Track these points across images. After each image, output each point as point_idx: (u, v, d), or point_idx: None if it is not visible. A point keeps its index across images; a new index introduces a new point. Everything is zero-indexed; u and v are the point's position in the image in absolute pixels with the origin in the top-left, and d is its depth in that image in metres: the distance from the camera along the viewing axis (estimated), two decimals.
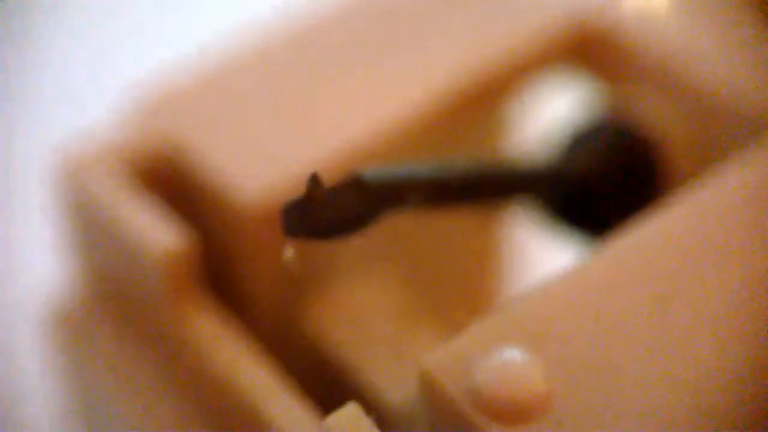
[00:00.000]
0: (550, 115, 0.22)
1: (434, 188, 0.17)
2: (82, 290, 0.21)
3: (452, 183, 0.17)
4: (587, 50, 0.21)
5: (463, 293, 0.23)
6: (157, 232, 0.18)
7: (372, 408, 0.18)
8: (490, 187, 0.18)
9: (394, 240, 0.20)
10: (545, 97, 0.22)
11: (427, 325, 0.19)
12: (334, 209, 0.16)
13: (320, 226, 0.16)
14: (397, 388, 0.18)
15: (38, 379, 0.26)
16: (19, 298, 0.27)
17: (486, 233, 0.23)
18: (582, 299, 0.17)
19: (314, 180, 0.16)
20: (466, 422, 0.15)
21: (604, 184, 0.20)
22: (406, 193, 0.17)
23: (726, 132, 0.20)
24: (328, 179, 0.17)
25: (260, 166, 0.19)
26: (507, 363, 0.16)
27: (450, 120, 0.20)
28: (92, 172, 0.19)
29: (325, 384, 0.19)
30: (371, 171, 0.17)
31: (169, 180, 0.20)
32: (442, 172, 0.17)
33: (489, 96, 0.21)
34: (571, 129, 0.21)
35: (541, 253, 0.25)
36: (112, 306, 0.20)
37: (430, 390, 0.16)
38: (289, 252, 0.16)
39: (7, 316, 0.27)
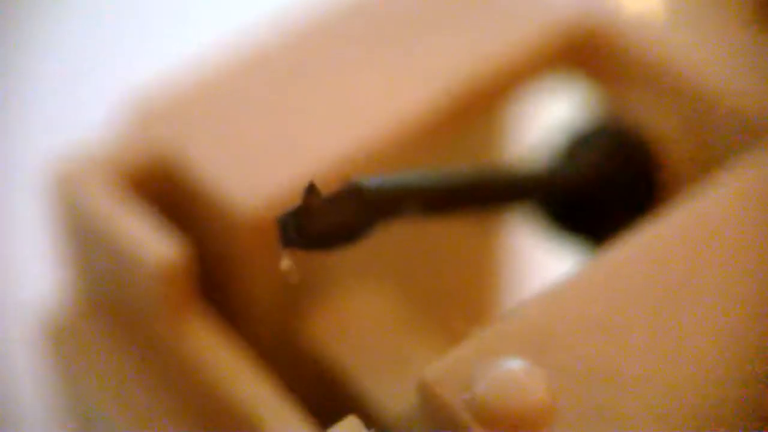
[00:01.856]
0: (548, 120, 0.21)
1: (433, 196, 0.17)
2: (76, 301, 0.21)
3: (451, 191, 0.17)
4: (584, 54, 0.21)
5: (462, 302, 0.23)
6: (152, 242, 0.18)
7: (372, 421, 0.17)
8: (490, 193, 0.18)
9: (390, 249, 0.20)
10: (542, 103, 0.22)
11: (426, 335, 0.19)
12: (332, 219, 0.16)
13: (318, 236, 0.16)
14: (396, 400, 0.18)
15: (32, 393, 0.25)
16: (13, 310, 0.26)
17: (483, 241, 0.23)
18: (583, 307, 0.16)
19: (311, 189, 0.16)
20: None
21: (603, 189, 0.20)
22: (405, 201, 0.17)
23: (726, 135, 0.19)
24: (325, 188, 0.17)
25: (255, 174, 0.19)
26: (508, 374, 0.15)
27: (446, 127, 0.20)
28: (85, 182, 0.19)
29: (324, 396, 0.18)
30: (369, 180, 0.17)
31: (163, 189, 0.20)
32: (440, 179, 0.17)
33: (484, 102, 0.20)
34: (569, 133, 0.20)
35: (539, 260, 0.24)
36: (106, 317, 0.20)
37: (429, 402, 0.16)
38: (286, 262, 0.16)
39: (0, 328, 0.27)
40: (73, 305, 0.21)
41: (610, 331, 0.16)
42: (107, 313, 0.20)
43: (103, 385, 0.20)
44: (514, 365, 0.15)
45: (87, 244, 0.20)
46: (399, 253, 0.21)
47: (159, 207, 0.20)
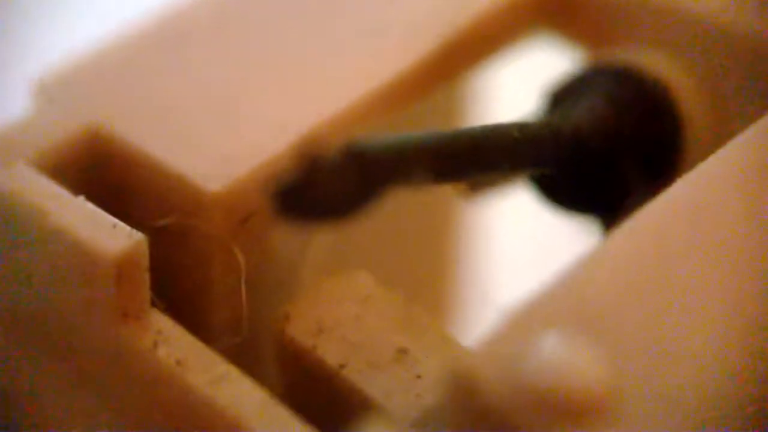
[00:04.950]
0: (528, 84, 0.19)
1: (442, 159, 0.15)
2: None
3: (462, 153, 0.15)
4: (566, 11, 0.19)
5: (445, 285, 0.21)
6: (98, 234, 0.15)
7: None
8: (506, 155, 0.16)
9: (362, 235, 0.18)
10: (522, 66, 0.20)
11: (416, 324, 0.17)
12: (335, 188, 0.14)
13: (320, 208, 0.14)
14: (403, 397, 0.15)
15: None
16: None
17: (460, 217, 0.21)
18: (626, 274, 0.14)
19: (314, 154, 0.14)
20: (515, 428, 0.13)
21: (621, 143, 0.17)
22: (411, 166, 0.15)
23: (742, 76, 0.17)
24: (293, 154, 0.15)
25: (209, 145, 0.17)
26: (559, 351, 0.13)
27: (416, 90, 0.18)
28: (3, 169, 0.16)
29: (320, 401, 0.16)
30: (371, 142, 0.14)
31: (95, 173, 0.17)
32: (448, 141, 0.15)
33: (456, 66, 0.18)
34: (569, 80, 0.18)
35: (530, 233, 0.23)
36: (21, 328, 0.17)
37: (468, 394, 0.13)
38: (281, 240, 0.14)
39: None
40: None
41: (662, 301, 0.14)
42: (22, 322, 0.17)
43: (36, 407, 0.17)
44: (565, 341, 0.13)
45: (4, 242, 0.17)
46: (372, 238, 0.18)
47: (90, 192, 0.17)
